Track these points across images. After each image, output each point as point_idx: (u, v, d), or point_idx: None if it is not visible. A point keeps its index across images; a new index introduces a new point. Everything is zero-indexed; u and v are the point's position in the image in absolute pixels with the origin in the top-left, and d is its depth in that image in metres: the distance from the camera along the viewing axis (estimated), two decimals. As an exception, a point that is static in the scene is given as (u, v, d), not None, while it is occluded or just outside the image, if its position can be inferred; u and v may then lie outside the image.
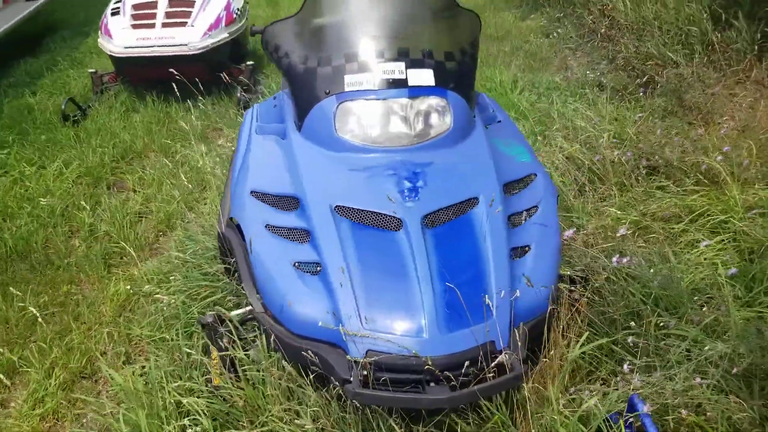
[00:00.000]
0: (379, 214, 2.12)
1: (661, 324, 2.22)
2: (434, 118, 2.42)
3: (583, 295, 2.31)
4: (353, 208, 2.14)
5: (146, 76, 5.12)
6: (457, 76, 2.53)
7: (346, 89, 2.38)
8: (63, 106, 4.81)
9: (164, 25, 5.02)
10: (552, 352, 2.04)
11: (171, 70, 3.99)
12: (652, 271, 2.38)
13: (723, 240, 2.73)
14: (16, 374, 2.56)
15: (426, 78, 2.43)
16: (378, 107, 2.37)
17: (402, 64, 2.41)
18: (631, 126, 3.66)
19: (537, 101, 4.65)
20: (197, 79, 4.12)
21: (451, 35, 2.64)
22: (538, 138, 3.94)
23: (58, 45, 6.87)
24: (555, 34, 6.35)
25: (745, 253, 2.67)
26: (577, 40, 6.02)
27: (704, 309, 2.27)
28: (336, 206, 2.15)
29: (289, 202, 2.24)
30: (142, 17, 5.11)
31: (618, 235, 2.63)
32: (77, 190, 3.85)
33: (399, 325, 1.89)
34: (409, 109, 2.39)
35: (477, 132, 2.52)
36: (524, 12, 7.50)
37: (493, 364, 1.85)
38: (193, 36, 4.91)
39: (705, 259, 2.62)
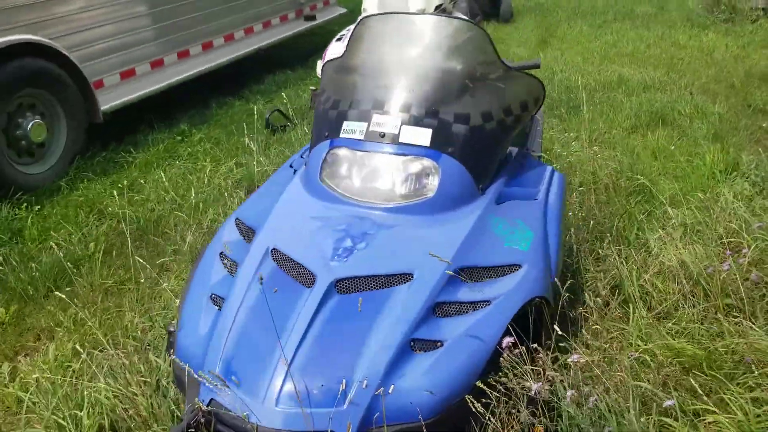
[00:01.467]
0: (300, 266, 2.06)
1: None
2: (418, 182, 2.25)
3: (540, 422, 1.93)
4: (284, 254, 2.12)
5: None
6: (468, 142, 2.30)
7: (341, 135, 2.34)
8: (267, 116, 5.45)
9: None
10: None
11: None
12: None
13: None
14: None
15: (421, 137, 2.27)
16: (362, 159, 2.30)
17: (399, 119, 2.29)
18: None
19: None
20: None
21: (484, 98, 2.40)
22: None
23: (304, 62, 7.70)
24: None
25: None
26: None
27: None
28: (273, 248, 2.15)
29: (250, 235, 2.30)
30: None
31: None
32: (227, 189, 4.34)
33: (247, 384, 1.83)
34: (394, 167, 2.26)
35: (474, 205, 2.27)
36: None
37: None
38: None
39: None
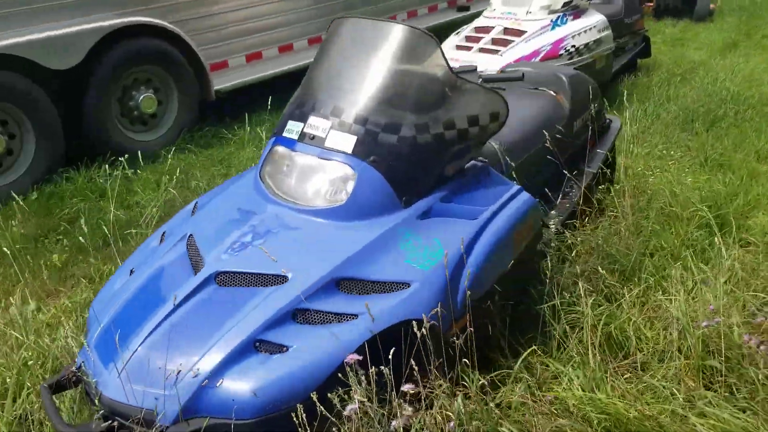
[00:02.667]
0: (198, 253, 2.20)
1: None
2: (335, 188, 2.25)
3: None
4: (193, 241, 2.26)
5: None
6: (394, 153, 2.25)
7: (283, 134, 2.41)
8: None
9: (482, 50, 5.27)
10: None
11: None
12: None
13: None
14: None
15: (344, 143, 2.26)
16: (292, 159, 2.35)
17: (329, 123, 2.30)
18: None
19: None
20: None
21: (422, 109, 2.30)
22: None
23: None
24: None
25: None
26: None
27: None
28: (190, 234, 2.31)
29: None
30: (471, 39, 5.45)
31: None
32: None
33: (107, 353, 2.01)
34: (316, 170, 2.29)
35: (389, 218, 2.22)
36: None
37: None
38: (492, 66, 5.01)
39: None
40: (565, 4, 5.44)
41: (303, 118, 2.37)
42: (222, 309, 2.00)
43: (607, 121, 3.83)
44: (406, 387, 1.82)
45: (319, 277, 2.02)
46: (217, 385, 1.83)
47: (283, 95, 6.06)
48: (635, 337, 2.52)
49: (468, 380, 2.04)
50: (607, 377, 2.30)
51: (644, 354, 2.50)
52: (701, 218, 3.36)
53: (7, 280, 3.41)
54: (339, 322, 1.97)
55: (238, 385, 1.83)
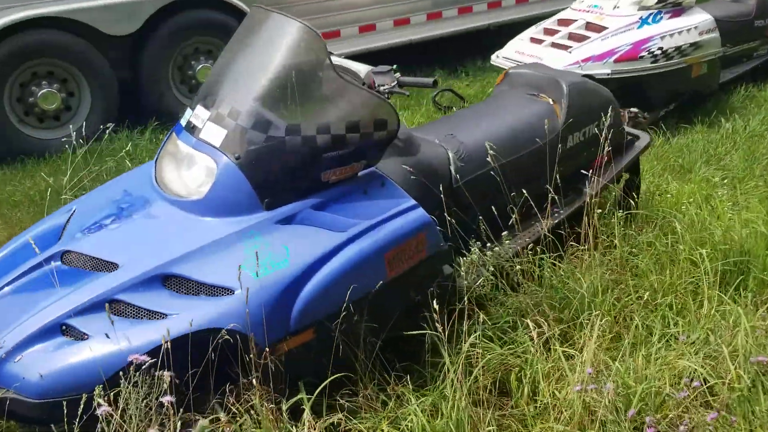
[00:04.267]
0: (60, 230, 2.29)
1: None
2: (197, 180, 2.23)
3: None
4: (69, 218, 2.36)
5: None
6: (260, 152, 2.17)
7: (180, 120, 2.43)
8: (434, 94, 5.42)
9: (553, 44, 4.91)
10: None
11: None
12: None
13: None
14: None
15: (215, 137, 2.22)
16: (175, 147, 2.35)
17: (207, 114, 2.27)
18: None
19: None
20: None
21: (296, 110, 2.20)
22: None
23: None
24: None
25: None
26: None
27: None
28: (73, 209, 2.41)
29: None
30: (548, 32, 5.10)
31: None
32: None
33: None
34: (187, 160, 2.28)
35: (245, 219, 2.16)
36: None
37: None
38: (558, 63, 4.65)
39: None
40: (660, 1, 4.88)
41: (194, 107, 2.37)
42: (52, 288, 2.07)
43: (629, 137, 3.42)
44: (165, 398, 1.78)
45: (145, 271, 2.02)
46: (15, 360, 1.91)
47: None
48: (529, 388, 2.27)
49: (262, 402, 1.95)
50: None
51: (535, 407, 2.25)
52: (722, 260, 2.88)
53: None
54: (149, 319, 1.97)
55: (30, 365, 1.89)
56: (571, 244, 2.94)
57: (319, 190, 2.27)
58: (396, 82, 2.48)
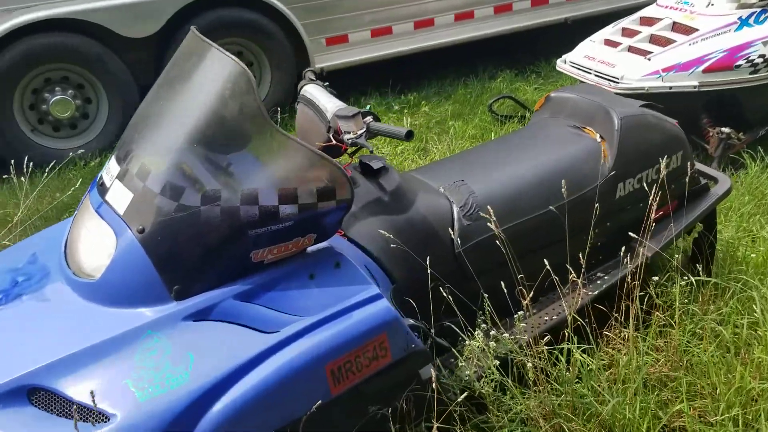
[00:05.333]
0: None
1: None
2: (97, 255, 1.78)
3: None
4: None
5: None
6: (169, 225, 1.70)
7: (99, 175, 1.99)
8: (491, 101, 4.80)
9: (630, 49, 4.17)
10: None
11: None
12: None
13: None
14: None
15: (120, 201, 1.77)
16: (85, 208, 1.91)
17: (117, 170, 1.82)
18: None
19: None
20: None
21: (217, 172, 1.71)
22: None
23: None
24: None
25: None
26: None
27: None
28: None
29: None
30: (627, 33, 4.36)
31: None
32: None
33: None
34: (91, 228, 1.83)
35: (142, 312, 1.69)
36: None
37: None
38: (634, 72, 3.93)
39: None
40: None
41: (111, 158, 1.92)
42: None
43: (703, 182, 2.72)
44: None
45: (8, 380, 1.60)
46: None
47: (400, 74, 5.57)
48: None
49: None
50: None
51: None
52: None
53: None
54: None
55: None
56: (612, 324, 2.32)
57: (248, 274, 1.77)
58: (365, 129, 1.94)
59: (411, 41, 5.38)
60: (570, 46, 4.50)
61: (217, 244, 1.72)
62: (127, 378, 1.59)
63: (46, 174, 3.60)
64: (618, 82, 3.94)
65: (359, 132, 1.93)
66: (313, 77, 2.29)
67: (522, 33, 5.80)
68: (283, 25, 4.75)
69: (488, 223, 2.10)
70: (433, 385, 1.79)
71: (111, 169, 1.86)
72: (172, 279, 1.71)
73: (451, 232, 2.17)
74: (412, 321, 1.89)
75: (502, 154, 2.53)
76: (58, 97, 4.30)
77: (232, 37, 4.66)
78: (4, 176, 3.63)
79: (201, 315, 1.71)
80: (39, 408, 1.60)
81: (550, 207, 2.30)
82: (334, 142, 1.99)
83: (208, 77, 1.78)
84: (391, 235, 2.02)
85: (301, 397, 1.67)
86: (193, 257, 1.72)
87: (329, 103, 2.04)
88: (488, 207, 2.12)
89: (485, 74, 5.64)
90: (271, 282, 1.78)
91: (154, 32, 4.34)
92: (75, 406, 1.55)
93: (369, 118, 1.94)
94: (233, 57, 1.72)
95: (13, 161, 3.18)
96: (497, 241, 2.12)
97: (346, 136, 1.94)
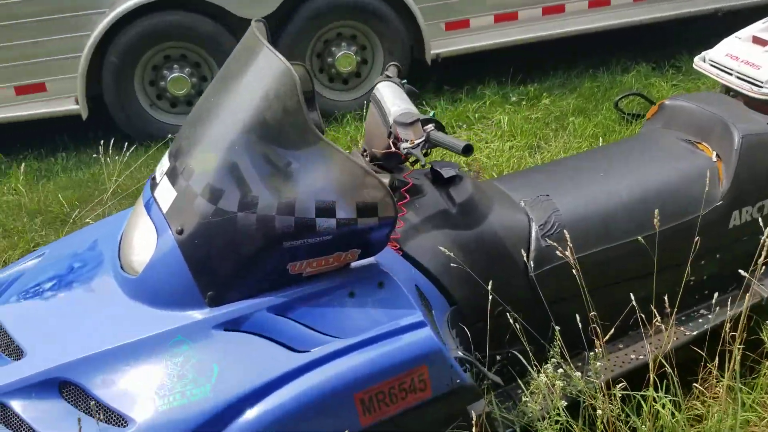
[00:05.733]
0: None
1: None
2: (140, 252, 1.76)
3: None
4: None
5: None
6: (207, 229, 1.64)
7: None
8: (618, 98, 4.43)
9: (781, 48, 3.67)
10: None
11: None
12: None
13: None
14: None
15: (165, 198, 1.73)
16: (138, 201, 1.90)
17: (167, 166, 1.79)
18: None
19: None
20: None
21: (256, 178, 1.62)
22: None
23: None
24: None
25: None
26: None
27: None
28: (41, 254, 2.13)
29: None
30: (781, 29, 3.83)
31: None
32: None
33: None
34: (139, 223, 1.81)
35: (176, 316, 1.65)
36: None
37: None
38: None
39: None
40: None
41: (167, 153, 1.90)
42: None
43: None
44: None
45: (44, 369, 1.61)
46: None
47: (522, 63, 5.22)
48: None
49: None
50: None
51: None
52: None
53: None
54: None
55: None
56: (709, 372, 2.03)
57: (285, 286, 1.67)
58: (423, 138, 1.77)
59: (538, 28, 5.07)
60: (718, 42, 4.04)
61: (252, 253, 1.64)
62: (151, 383, 1.56)
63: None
64: (761, 87, 3.48)
65: (417, 141, 1.76)
66: (391, 74, 2.15)
67: (664, 23, 5.30)
68: (399, 9, 4.60)
69: (565, 248, 1.88)
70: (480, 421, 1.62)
71: (163, 164, 1.83)
72: (207, 284, 1.65)
73: (528, 252, 1.97)
74: (461, 353, 1.72)
75: (599, 166, 2.27)
76: (176, 74, 4.43)
77: (346, 20, 4.59)
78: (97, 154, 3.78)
79: (232, 324, 1.65)
80: (68, 402, 1.60)
81: (646, 233, 2.03)
82: (393, 149, 1.84)
83: (257, 76, 1.69)
84: (451, 253, 1.85)
85: (325, 424, 1.57)
86: (229, 264, 1.65)
87: (394, 106, 1.88)
88: (568, 229, 1.90)
89: (617, 67, 5.21)
90: (308, 297, 1.68)
91: (269, 13, 4.34)
92: (97, 405, 1.54)
93: (430, 127, 1.77)
94: (280, 56, 1.61)
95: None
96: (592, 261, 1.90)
97: (403, 145, 1.79)
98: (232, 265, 1.65)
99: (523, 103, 4.76)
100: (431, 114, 1.85)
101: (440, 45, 4.80)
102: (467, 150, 1.69)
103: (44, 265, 2.02)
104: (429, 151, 1.85)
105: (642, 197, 2.10)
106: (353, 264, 1.71)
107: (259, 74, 1.69)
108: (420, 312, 1.66)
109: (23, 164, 4.05)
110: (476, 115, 4.57)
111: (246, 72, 1.75)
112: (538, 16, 5.07)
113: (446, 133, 1.80)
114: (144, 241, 1.77)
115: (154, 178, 1.85)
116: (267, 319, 1.65)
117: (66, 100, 4.42)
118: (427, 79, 5.07)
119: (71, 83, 4.34)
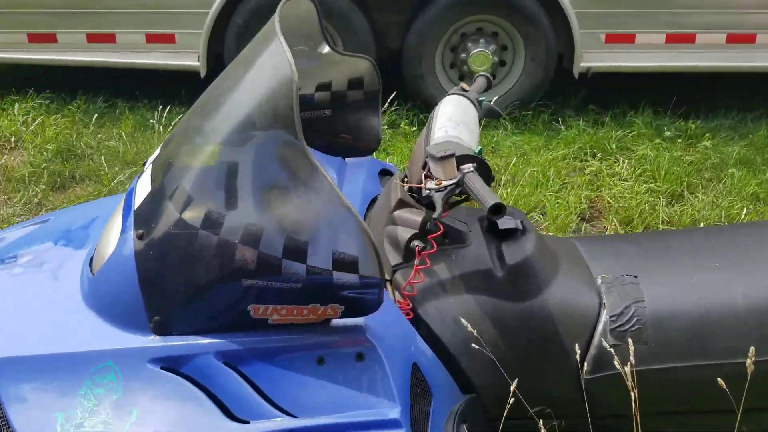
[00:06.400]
0: None
1: None
2: (107, 248, 1.50)
3: None
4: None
5: None
6: (166, 241, 1.34)
7: None
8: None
9: None
10: None
11: None
12: None
13: None
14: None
15: (141, 192, 1.46)
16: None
17: (155, 155, 1.52)
18: None
19: None
20: None
21: (234, 196, 1.29)
22: None
23: None
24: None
25: None
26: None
27: None
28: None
29: None
30: None
31: None
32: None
33: None
34: (118, 214, 1.56)
35: (112, 333, 1.37)
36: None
37: None
38: None
39: None
40: None
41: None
42: None
43: None
44: None
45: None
46: None
47: (688, 92, 4.49)
48: None
49: None
50: None
51: None
52: None
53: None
54: None
55: None
56: None
57: (244, 330, 1.34)
58: (454, 182, 1.34)
59: (718, 57, 4.35)
60: None
61: (207, 283, 1.32)
62: (61, 411, 1.30)
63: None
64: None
65: (445, 183, 1.35)
66: (469, 87, 1.74)
67: None
68: (552, 10, 4.10)
69: (626, 358, 1.41)
70: None
71: (155, 153, 1.57)
72: (155, 307, 1.35)
73: (578, 349, 1.51)
74: None
75: (718, 252, 1.73)
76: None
77: (489, 14, 4.15)
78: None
79: (172, 363, 1.34)
80: None
81: (761, 359, 1.49)
82: (420, 184, 1.43)
83: (259, 69, 1.36)
84: (475, 330, 1.44)
85: None
86: (181, 288, 1.34)
87: (440, 130, 1.48)
88: (649, 327, 1.42)
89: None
90: (266, 351, 1.33)
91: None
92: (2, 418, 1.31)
93: (468, 167, 1.34)
94: (286, 48, 1.26)
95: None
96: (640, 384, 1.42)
97: (428, 184, 1.38)
98: (185, 290, 1.34)
99: (679, 140, 4.09)
100: (477, 150, 1.43)
101: (595, 58, 4.23)
102: (496, 210, 1.26)
103: (37, 233, 1.84)
104: (464, 196, 1.43)
105: (764, 309, 1.55)
106: (334, 321, 1.35)
107: (262, 66, 1.36)
108: (399, 407, 1.27)
109: (132, 114, 4.05)
110: (617, 145, 3.99)
111: (252, 61, 1.42)
112: (721, 42, 4.35)
113: (491, 178, 1.38)
114: (113, 236, 1.51)
115: (144, 164, 1.59)
116: (212, 367, 1.32)
117: (191, 55, 4.37)
118: (571, 94, 4.53)
119: (198, 39, 4.28)
